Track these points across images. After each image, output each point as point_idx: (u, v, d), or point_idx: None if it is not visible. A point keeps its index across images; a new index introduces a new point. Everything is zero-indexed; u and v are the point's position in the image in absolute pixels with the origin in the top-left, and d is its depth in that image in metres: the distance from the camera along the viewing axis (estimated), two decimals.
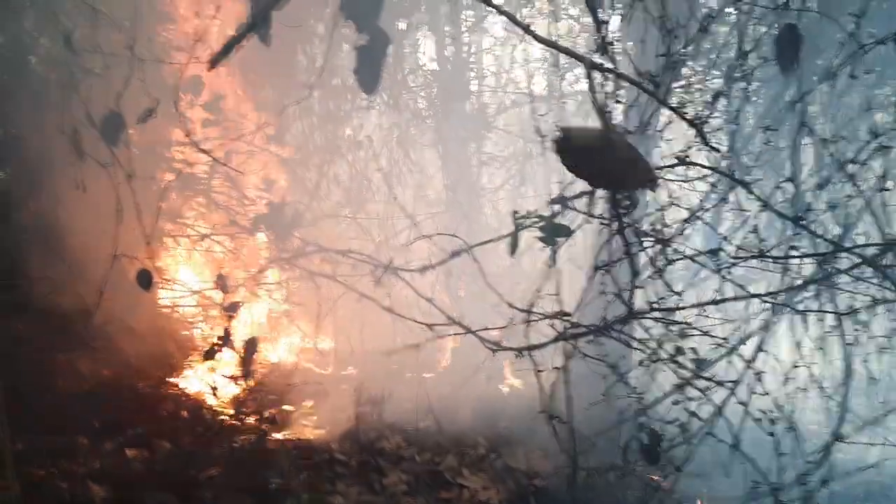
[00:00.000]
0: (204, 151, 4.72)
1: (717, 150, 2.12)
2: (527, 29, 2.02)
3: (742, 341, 3.73)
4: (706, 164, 2.98)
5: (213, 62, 2.09)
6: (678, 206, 3.31)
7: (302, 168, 6.99)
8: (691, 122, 1.95)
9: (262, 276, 5.27)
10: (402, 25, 7.28)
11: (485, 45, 8.28)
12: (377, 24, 3.38)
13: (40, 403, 4.53)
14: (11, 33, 4.85)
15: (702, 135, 1.90)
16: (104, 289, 4.71)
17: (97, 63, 4.54)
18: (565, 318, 2.96)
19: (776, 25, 3.09)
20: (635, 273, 2.24)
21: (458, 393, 5.53)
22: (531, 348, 3.55)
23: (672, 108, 2.04)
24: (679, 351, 3.07)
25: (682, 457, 3.72)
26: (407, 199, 7.76)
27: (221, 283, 5.04)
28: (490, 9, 7.60)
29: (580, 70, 7.58)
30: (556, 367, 2.98)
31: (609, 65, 2.39)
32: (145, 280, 4.18)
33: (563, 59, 7.49)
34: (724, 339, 3.22)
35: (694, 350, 3.31)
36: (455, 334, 3.77)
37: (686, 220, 3.08)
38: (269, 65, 6.20)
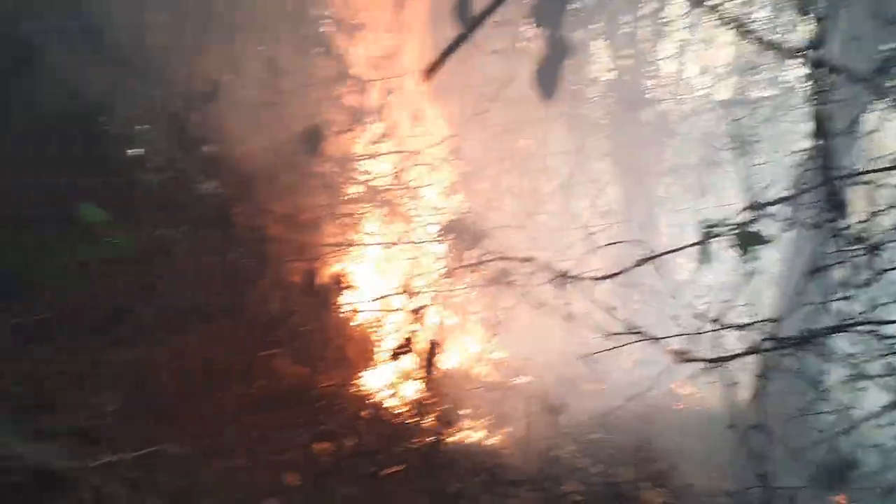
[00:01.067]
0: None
1: None
2: (745, 29, 1.97)
3: None
4: None
5: (429, 72, 2.20)
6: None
7: (478, 179, 7.16)
8: None
9: (444, 284, 5.44)
10: (580, 35, 7.28)
11: (663, 54, 8.07)
12: (559, 32, 3.43)
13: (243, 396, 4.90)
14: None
15: None
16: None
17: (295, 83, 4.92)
18: (768, 324, 2.81)
19: None
20: (846, 282, 2.09)
21: (634, 404, 5.40)
22: (723, 360, 3.41)
23: None
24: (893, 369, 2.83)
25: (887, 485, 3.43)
26: (581, 209, 7.74)
27: (407, 289, 5.27)
28: (665, 16, 7.49)
29: (767, 75, 7.23)
30: (759, 376, 2.83)
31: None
32: (336, 284, 4.46)
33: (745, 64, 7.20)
34: None
35: None
36: (636, 341, 3.69)
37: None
38: (449, 77, 6.43)
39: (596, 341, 5.86)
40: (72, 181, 3.85)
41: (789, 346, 3.12)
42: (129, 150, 4.60)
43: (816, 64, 1.79)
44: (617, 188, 7.89)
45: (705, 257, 3.35)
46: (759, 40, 2.10)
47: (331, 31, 5.34)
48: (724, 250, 3.26)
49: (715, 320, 3.42)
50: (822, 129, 1.98)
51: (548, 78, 3.38)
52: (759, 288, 3.36)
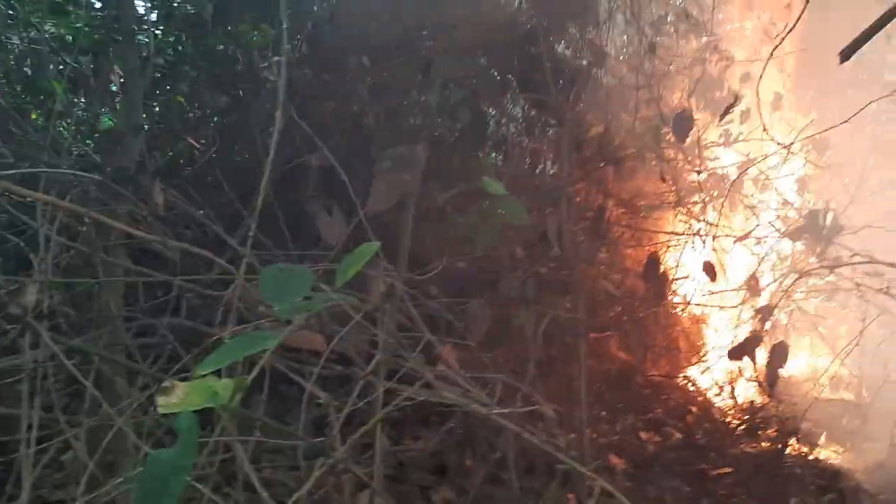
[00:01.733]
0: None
1: None
2: None
3: None
4: None
5: (846, 53, 2.04)
6: None
7: (841, 173, 6.53)
8: None
9: (794, 284, 5.07)
10: None
11: None
12: None
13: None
14: None
15: None
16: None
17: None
18: None
19: None
20: None
21: None
22: None
23: None
24: None
25: None
26: None
27: (753, 285, 5.01)
28: None
29: None
30: None
31: None
32: (709, 271, 4.40)
33: None
34: None
35: None
36: None
37: None
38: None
39: None
40: None
41: None
42: None
43: None
44: None
45: None
46: None
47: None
48: None
49: None
50: None
51: None
52: None
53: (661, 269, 5.21)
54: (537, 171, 5.15)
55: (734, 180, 5.60)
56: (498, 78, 4.53)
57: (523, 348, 3.76)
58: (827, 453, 5.08)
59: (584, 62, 4.34)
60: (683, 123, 3.97)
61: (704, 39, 5.20)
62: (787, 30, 3.70)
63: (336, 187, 2.75)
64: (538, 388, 3.41)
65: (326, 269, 1.96)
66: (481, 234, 2.60)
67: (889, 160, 6.74)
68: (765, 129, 4.31)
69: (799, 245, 5.48)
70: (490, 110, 4.76)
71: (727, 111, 4.20)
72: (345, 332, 1.95)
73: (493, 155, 5.04)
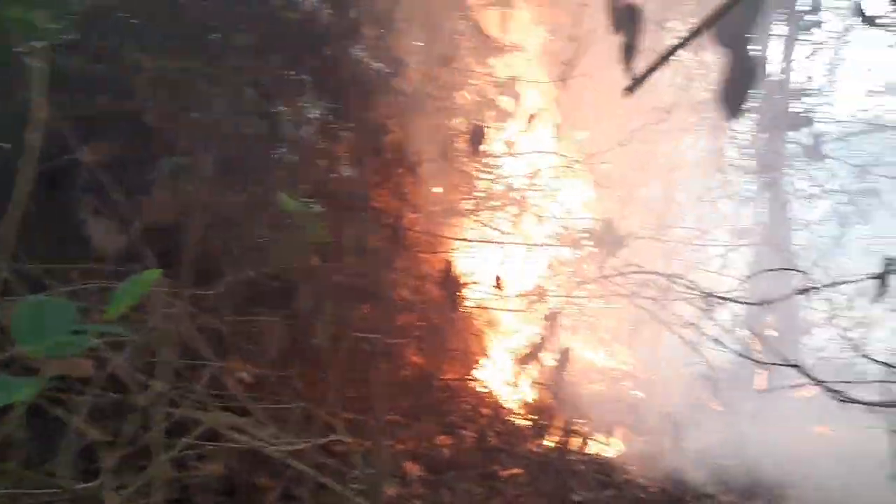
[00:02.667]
0: None
1: None
2: None
3: None
4: None
5: (631, 88, 2.15)
6: None
7: (616, 187, 7.05)
8: None
9: (577, 290, 5.39)
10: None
11: (819, 70, 7.69)
12: (748, 52, 3.31)
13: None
14: None
15: None
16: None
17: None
18: None
19: None
20: None
21: (767, 434, 5.21)
22: (888, 405, 3.23)
23: None
24: None
25: None
26: (720, 226, 7.54)
27: (541, 291, 5.25)
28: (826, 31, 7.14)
29: None
30: None
31: None
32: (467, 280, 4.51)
33: None
34: None
35: None
36: (801, 384, 3.54)
37: None
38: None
39: (721, 364, 5.71)
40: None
41: None
42: None
43: None
44: (758, 207, 7.60)
45: (881, 294, 3.18)
46: None
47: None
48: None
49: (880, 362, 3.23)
50: None
51: (734, 95, 3.27)
52: None
53: (456, 275, 5.32)
54: (334, 175, 5.05)
55: (523, 191, 5.86)
56: (293, 79, 4.37)
57: (320, 361, 3.64)
58: (606, 448, 5.42)
59: (382, 67, 4.30)
60: (478, 135, 4.06)
61: (493, 58, 5.36)
62: (572, 59, 3.90)
63: (111, 191, 2.47)
64: (335, 401, 3.32)
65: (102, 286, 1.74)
66: (283, 250, 2.46)
67: (653, 176, 7.41)
68: (556, 145, 4.53)
69: (583, 253, 5.81)
70: (284, 111, 4.58)
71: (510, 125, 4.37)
72: (119, 357, 1.73)
73: (288, 158, 4.87)
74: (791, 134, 7.33)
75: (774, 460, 4.94)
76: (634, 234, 6.42)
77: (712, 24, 2.55)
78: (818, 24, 7.34)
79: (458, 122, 4.97)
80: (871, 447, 4.13)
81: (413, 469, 4.70)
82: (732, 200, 7.37)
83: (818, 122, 7.44)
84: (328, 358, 3.47)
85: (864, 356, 3.43)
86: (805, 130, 7.26)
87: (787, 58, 7.46)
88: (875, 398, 3.50)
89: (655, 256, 6.79)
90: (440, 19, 5.02)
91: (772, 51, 7.19)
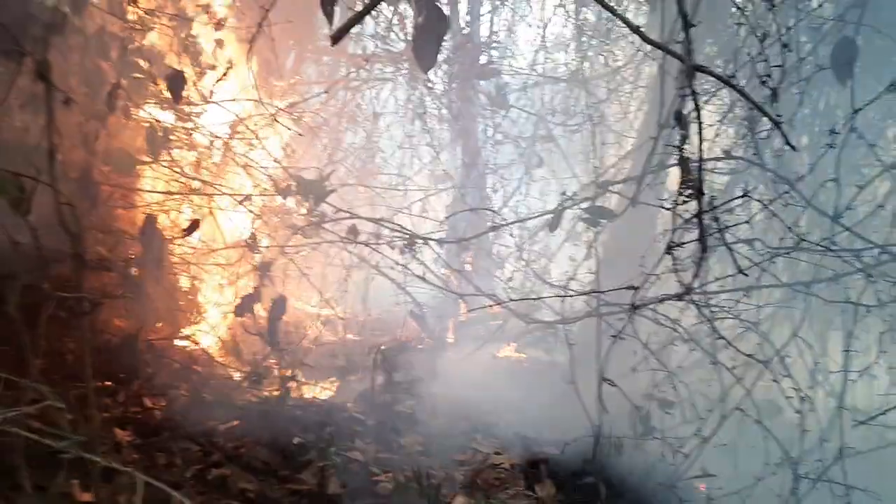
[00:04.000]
0: None
1: (795, 149, 2.29)
2: (636, 29, 2.17)
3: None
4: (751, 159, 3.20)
5: (336, 38, 2.20)
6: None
7: (320, 137, 7.13)
8: (774, 121, 2.11)
9: (287, 239, 5.41)
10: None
11: (505, 24, 8.34)
12: (437, 5, 3.53)
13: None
14: None
15: (783, 135, 2.06)
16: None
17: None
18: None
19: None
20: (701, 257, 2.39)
21: (469, 361, 5.74)
22: (565, 322, 3.74)
23: (758, 107, 2.20)
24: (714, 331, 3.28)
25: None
26: (420, 172, 8.00)
27: (251, 242, 5.20)
28: None
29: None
30: (616, 336, 3.12)
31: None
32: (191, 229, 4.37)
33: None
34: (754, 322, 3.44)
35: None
36: (491, 306, 3.95)
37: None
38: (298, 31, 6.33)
39: (437, 301, 6.16)
40: None
41: (624, 311, 3.49)
42: None
43: (692, 70, 2.02)
44: (453, 154, 8.17)
45: (555, 225, 3.65)
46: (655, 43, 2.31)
47: None
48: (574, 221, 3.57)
49: (558, 285, 3.72)
50: (679, 118, 2.23)
51: (427, 47, 3.47)
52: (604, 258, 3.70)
53: (157, 230, 5.06)
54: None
55: (226, 139, 5.69)
56: None
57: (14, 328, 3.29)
58: (324, 391, 5.60)
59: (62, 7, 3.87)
60: (177, 82, 3.85)
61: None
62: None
63: None
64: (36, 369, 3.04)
65: None
66: None
67: (359, 125, 7.65)
68: (258, 93, 4.44)
69: (291, 202, 5.81)
70: None
71: (221, 78, 4.22)
72: None
73: None
74: (481, 84, 7.92)
75: (472, 382, 5.47)
76: (342, 181, 6.61)
77: None
78: None
79: (154, 67, 4.66)
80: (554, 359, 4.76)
81: (123, 435, 4.47)
82: (431, 147, 7.80)
83: (503, 74, 8.13)
84: (23, 325, 3.13)
85: (544, 281, 3.91)
86: (492, 81, 7.90)
87: (475, 13, 8.00)
88: (554, 318, 4.04)
89: (363, 203, 7.03)
90: None
91: (461, 5, 7.65)
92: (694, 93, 2.26)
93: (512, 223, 4.06)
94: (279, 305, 5.06)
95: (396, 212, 7.07)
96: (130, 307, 5.43)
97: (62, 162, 4.68)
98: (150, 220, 4.93)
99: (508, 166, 7.72)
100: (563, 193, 3.53)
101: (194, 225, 4.65)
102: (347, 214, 5.08)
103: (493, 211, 4.28)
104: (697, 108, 2.21)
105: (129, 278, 5.08)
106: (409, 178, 8.04)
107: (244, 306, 5.02)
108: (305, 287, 6.43)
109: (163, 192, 5.45)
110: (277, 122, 5.87)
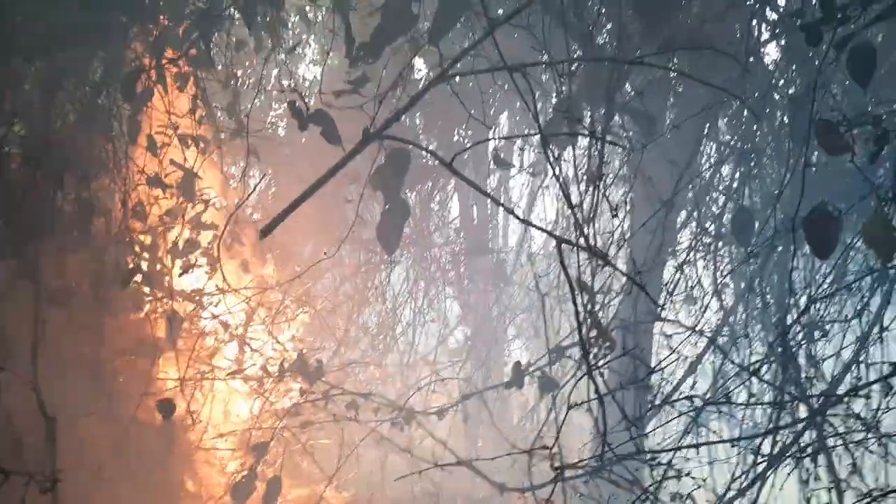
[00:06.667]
0: None
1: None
2: (503, 206, 2.49)
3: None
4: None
5: (265, 232, 2.56)
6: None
7: (330, 318, 7.52)
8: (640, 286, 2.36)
9: (290, 420, 5.61)
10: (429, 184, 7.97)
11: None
12: (399, 196, 3.96)
13: None
14: None
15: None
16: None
17: None
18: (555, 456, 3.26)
19: None
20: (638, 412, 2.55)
21: None
22: (534, 489, 3.82)
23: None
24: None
25: None
26: (430, 348, 8.29)
27: (253, 424, 5.44)
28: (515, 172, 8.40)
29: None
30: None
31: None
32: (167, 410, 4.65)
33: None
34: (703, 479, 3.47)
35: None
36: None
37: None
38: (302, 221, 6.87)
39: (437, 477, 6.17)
40: None
41: (585, 475, 3.59)
42: None
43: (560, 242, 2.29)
44: (462, 329, 8.50)
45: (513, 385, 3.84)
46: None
47: None
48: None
49: (527, 451, 3.81)
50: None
51: (390, 231, 3.87)
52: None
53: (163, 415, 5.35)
54: None
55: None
56: None
57: None
58: None
59: None
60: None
61: None
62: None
63: None
64: None
65: None
66: None
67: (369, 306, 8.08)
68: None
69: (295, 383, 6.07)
70: None
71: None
72: None
73: None
74: (483, 262, 8.36)
75: None
76: (351, 360, 6.92)
77: (326, 181, 3.12)
78: None
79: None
80: None
81: None
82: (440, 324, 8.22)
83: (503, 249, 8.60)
84: None
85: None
86: (495, 258, 8.38)
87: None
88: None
89: (374, 381, 7.30)
90: None
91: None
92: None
93: (482, 391, 4.24)
94: (273, 486, 5.18)
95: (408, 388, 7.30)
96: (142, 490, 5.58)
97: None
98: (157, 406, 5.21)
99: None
100: (518, 363, 3.75)
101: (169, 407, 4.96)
102: (339, 390, 5.32)
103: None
104: None
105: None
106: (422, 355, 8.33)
107: (241, 486, 5.15)
108: (314, 466, 6.51)
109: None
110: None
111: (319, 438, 6.45)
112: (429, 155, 4.58)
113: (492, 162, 4.53)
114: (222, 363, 6.12)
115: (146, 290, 5.31)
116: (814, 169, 4.03)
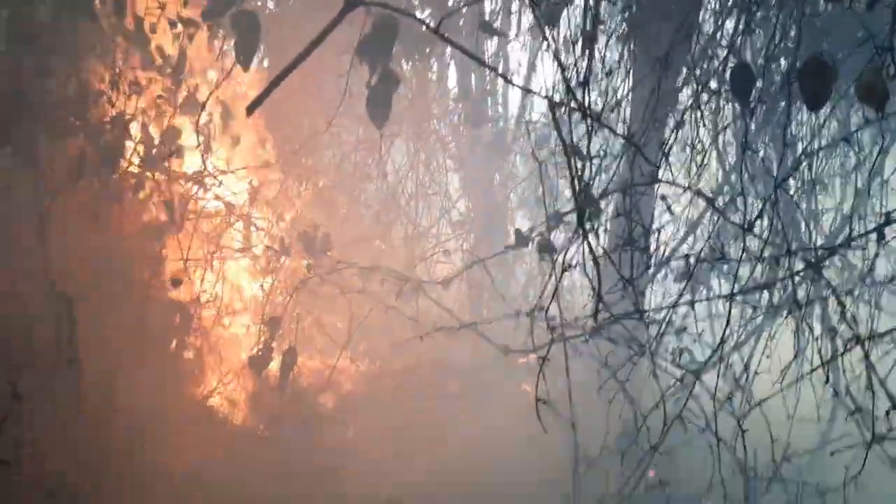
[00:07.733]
0: None
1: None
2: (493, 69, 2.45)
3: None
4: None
5: (250, 110, 2.54)
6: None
7: (332, 193, 7.55)
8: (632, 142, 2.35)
9: (300, 294, 5.76)
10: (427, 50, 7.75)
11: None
12: (388, 66, 3.87)
13: None
14: None
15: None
16: None
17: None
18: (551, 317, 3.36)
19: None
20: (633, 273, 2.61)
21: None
22: (536, 350, 3.96)
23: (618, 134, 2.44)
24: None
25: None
26: (433, 221, 8.38)
27: (265, 299, 5.59)
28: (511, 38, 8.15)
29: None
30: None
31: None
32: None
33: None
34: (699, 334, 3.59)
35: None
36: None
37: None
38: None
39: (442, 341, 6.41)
40: None
41: (585, 333, 3.71)
42: None
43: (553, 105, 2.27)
44: (464, 200, 8.53)
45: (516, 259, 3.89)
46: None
47: None
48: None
49: (528, 313, 3.93)
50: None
51: (380, 104, 3.82)
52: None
53: (176, 294, 5.49)
54: None
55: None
56: None
57: None
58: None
59: None
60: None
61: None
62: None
63: None
64: None
65: None
66: None
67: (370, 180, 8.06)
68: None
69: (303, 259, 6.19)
70: None
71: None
72: None
73: None
74: (484, 133, 8.27)
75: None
76: (352, 237, 6.99)
77: (311, 51, 3.05)
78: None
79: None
80: None
81: None
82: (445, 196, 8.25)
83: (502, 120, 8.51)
84: None
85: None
86: (494, 128, 8.30)
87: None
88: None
89: (379, 254, 7.39)
90: None
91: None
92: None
93: (483, 260, 4.32)
94: (290, 356, 5.40)
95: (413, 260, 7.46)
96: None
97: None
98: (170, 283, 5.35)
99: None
100: (518, 230, 3.80)
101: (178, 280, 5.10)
102: (345, 264, 5.44)
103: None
104: None
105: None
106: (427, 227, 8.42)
107: (256, 360, 5.37)
108: (323, 338, 6.75)
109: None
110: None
111: (329, 313, 6.65)
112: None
113: (480, 28, 4.37)
114: (229, 244, 6.21)
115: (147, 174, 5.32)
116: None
